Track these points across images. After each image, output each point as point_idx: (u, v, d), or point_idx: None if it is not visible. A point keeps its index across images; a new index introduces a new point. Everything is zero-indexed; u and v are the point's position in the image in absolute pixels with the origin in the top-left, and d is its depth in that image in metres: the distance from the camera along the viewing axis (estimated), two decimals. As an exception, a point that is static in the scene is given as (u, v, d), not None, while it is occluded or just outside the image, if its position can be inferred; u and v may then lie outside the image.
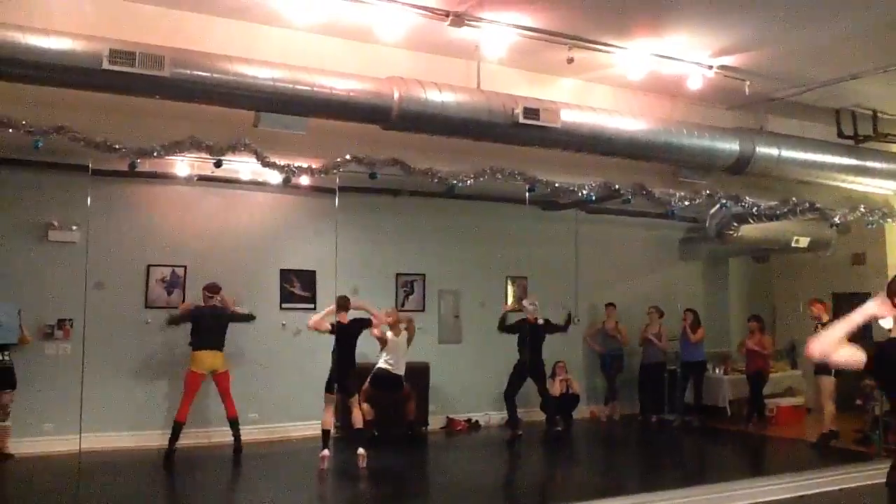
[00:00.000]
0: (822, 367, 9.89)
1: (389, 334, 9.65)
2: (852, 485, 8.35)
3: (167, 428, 9.04)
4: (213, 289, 9.23)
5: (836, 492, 8.18)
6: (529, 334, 10.49)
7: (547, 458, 10.27)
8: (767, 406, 11.47)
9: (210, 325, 9.14)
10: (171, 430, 8.83)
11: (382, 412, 9.69)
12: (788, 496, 7.90)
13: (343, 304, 8.88)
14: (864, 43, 7.55)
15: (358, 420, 8.75)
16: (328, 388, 8.69)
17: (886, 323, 10.46)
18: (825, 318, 10.10)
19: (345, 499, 8.09)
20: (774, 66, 8.16)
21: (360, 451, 8.44)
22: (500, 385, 11.24)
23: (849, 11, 6.88)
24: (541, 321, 10.59)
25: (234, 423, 9.15)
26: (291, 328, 10.39)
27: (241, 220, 10.40)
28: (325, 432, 8.61)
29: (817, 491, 8.12)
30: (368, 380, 9.57)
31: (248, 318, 9.49)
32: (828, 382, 9.87)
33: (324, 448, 8.48)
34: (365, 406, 9.18)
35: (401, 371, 9.71)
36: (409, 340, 9.88)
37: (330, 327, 8.70)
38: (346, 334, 8.75)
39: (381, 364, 9.65)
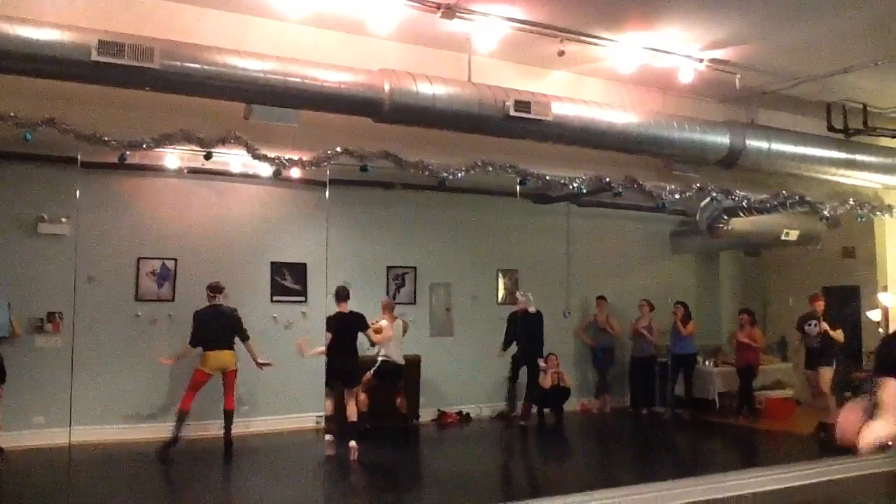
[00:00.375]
0: (823, 359, 9.97)
1: (384, 323, 9.65)
2: (842, 476, 8.41)
3: (158, 420, 9.08)
4: (215, 288, 9.22)
5: (826, 483, 8.23)
6: (522, 323, 10.55)
7: (538, 450, 10.31)
8: (757, 399, 11.53)
9: (213, 324, 9.11)
10: (177, 418, 8.80)
11: (375, 406, 9.67)
12: (778, 487, 7.95)
13: (343, 293, 8.91)
14: (855, 37, 7.57)
15: (352, 413, 8.75)
16: (330, 385, 8.71)
17: (874, 315, 10.53)
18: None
19: (338, 492, 8.09)
20: (765, 59, 8.18)
21: (352, 443, 8.45)
22: (491, 377, 11.31)
23: (840, 6, 6.90)
24: (532, 310, 10.64)
25: (229, 416, 9.12)
26: (282, 321, 10.40)
27: (232, 213, 10.38)
28: (328, 418, 8.63)
29: (807, 482, 8.17)
30: (372, 372, 9.52)
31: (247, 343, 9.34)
32: (828, 373, 9.97)
33: (327, 433, 8.52)
34: (362, 396, 9.14)
35: (401, 360, 9.73)
36: (405, 331, 9.93)
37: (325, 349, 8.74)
38: (345, 326, 8.78)
39: (383, 356, 9.62)
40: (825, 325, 10.10)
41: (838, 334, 10.14)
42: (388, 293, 11.10)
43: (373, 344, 9.42)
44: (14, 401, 8.67)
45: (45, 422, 8.86)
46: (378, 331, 9.40)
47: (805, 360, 10.29)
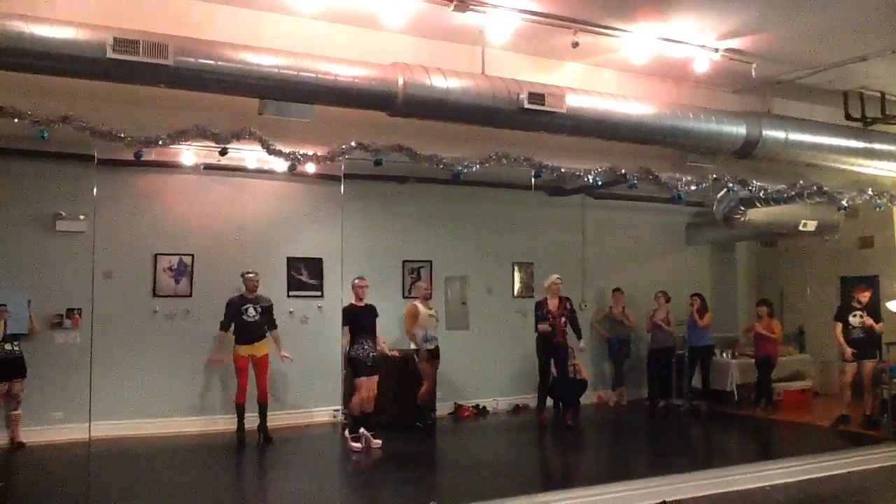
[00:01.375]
0: (867, 351, 9.88)
1: (421, 307, 10.14)
2: (861, 468, 8.37)
3: (174, 416, 9.26)
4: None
5: (845, 475, 8.19)
6: None
7: (555, 443, 10.29)
8: (775, 390, 11.47)
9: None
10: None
11: (389, 399, 9.69)
12: (796, 479, 7.91)
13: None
14: (872, 24, 7.48)
15: (355, 407, 8.85)
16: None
17: (894, 306, 10.45)
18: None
19: (356, 483, 8.12)
20: (781, 48, 8.10)
21: (346, 434, 8.70)
22: (507, 370, 11.31)
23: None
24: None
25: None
26: (299, 315, 10.45)
27: (248, 208, 10.43)
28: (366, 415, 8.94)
29: (826, 474, 8.13)
30: (425, 359, 10.12)
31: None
32: (871, 366, 9.91)
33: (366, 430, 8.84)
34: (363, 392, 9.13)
35: (413, 345, 10.18)
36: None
37: None
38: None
39: (427, 345, 10.13)
40: (870, 320, 10.01)
41: (880, 327, 10.05)
42: (403, 287, 11.17)
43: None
44: (34, 396, 8.78)
45: (64, 417, 8.98)
46: None
47: (850, 352, 10.12)
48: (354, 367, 8.91)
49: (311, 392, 10.38)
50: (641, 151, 8.89)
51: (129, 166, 8.80)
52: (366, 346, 8.92)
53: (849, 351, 9.97)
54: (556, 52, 8.11)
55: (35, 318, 8.88)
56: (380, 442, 8.74)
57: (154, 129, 6.82)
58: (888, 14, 7.18)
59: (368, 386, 8.88)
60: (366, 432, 8.79)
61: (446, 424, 10.80)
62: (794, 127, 9.23)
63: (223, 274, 9.77)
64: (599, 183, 9.01)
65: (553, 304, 10.46)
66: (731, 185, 9.39)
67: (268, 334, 9.41)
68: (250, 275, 9.42)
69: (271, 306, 9.52)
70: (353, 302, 9.02)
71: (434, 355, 10.22)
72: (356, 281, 9.08)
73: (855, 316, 10.08)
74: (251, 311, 9.29)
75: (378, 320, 9.25)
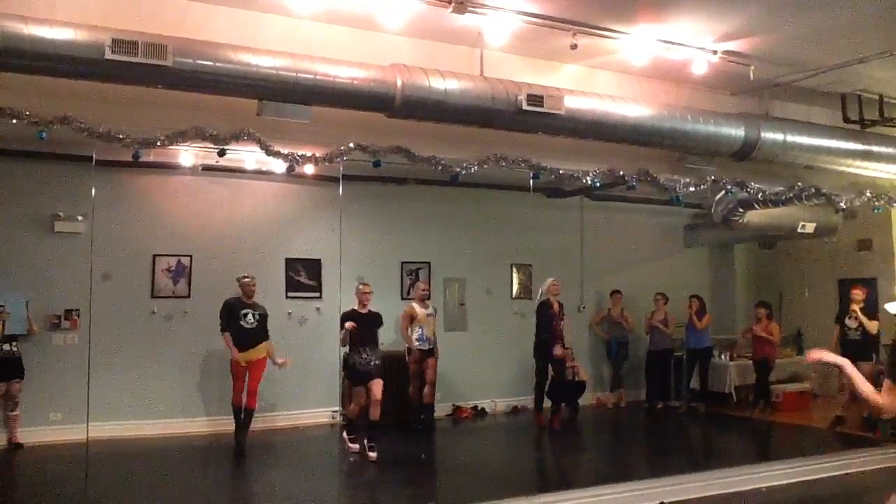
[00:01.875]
0: (863, 352, 9.87)
1: (418, 308, 10.09)
2: (857, 469, 8.37)
3: (172, 417, 9.32)
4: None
5: (843, 476, 8.19)
6: None
7: (553, 444, 10.28)
8: (773, 392, 11.47)
9: None
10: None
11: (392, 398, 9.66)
12: (793, 481, 7.91)
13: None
14: (870, 26, 7.49)
15: (351, 412, 8.85)
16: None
17: (892, 308, 10.40)
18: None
19: (353, 485, 8.12)
20: (779, 50, 8.11)
21: (345, 435, 8.68)
22: (505, 372, 11.29)
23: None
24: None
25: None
26: (297, 317, 10.44)
27: (246, 210, 10.42)
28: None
29: (823, 476, 8.14)
30: (416, 359, 10.07)
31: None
32: (867, 368, 9.89)
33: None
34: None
35: (433, 344, 10.20)
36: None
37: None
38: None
39: (422, 345, 10.09)
40: (858, 312, 9.97)
41: (872, 325, 10.03)
42: (402, 288, 11.17)
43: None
44: (32, 397, 8.77)
45: (62, 418, 8.97)
46: None
47: (842, 353, 10.12)
48: (349, 374, 8.83)
49: (309, 393, 10.38)
50: (640, 153, 8.91)
51: (127, 167, 8.80)
52: (364, 355, 8.63)
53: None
54: (554, 53, 8.12)
55: (33, 318, 8.86)
56: (375, 455, 8.41)
57: (152, 130, 6.84)
58: (886, 17, 7.19)
59: (372, 391, 8.64)
60: (367, 442, 8.54)
61: (445, 425, 10.79)
62: (792, 129, 9.24)
63: (222, 275, 9.73)
64: (598, 184, 9.06)
65: (556, 306, 10.47)
66: (729, 187, 9.43)
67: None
68: (247, 279, 9.07)
69: (267, 314, 9.21)
70: (355, 307, 8.78)
71: (429, 355, 10.16)
72: (359, 286, 8.85)
73: (850, 317, 10.10)
74: (250, 318, 9.00)
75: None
